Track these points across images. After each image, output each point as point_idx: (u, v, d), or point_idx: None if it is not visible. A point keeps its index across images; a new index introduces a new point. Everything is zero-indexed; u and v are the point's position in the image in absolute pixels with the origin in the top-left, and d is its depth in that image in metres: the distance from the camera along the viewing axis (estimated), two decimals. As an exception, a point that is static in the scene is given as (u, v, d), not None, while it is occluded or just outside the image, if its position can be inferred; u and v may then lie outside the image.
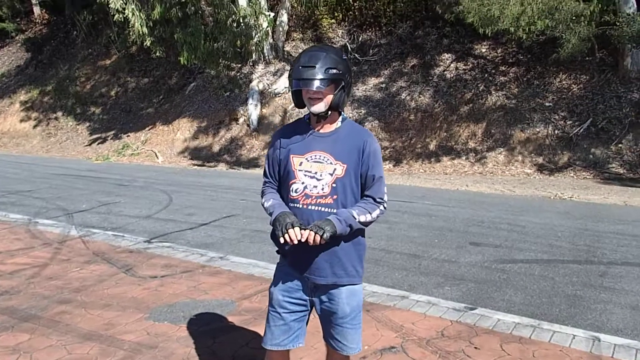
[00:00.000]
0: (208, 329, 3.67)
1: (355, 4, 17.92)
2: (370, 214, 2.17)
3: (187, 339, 3.51)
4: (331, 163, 2.18)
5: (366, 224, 2.17)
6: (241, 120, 16.28)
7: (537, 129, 13.30)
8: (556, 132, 13.11)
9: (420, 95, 15.06)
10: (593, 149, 12.54)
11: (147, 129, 17.97)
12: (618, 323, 3.81)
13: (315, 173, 2.19)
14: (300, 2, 16.17)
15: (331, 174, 2.17)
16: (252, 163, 14.70)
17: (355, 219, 2.12)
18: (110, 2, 14.38)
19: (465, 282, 4.74)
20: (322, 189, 2.17)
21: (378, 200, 2.21)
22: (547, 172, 12.37)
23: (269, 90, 16.45)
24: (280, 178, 2.32)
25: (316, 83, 2.07)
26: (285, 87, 16.33)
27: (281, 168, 2.29)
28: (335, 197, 2.16)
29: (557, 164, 12.60)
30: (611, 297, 4.34)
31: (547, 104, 13.58)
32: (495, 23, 10.97)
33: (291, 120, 15.40)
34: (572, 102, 13.36)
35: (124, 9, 14.40)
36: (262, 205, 2.33)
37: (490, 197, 9.43)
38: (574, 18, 11.11)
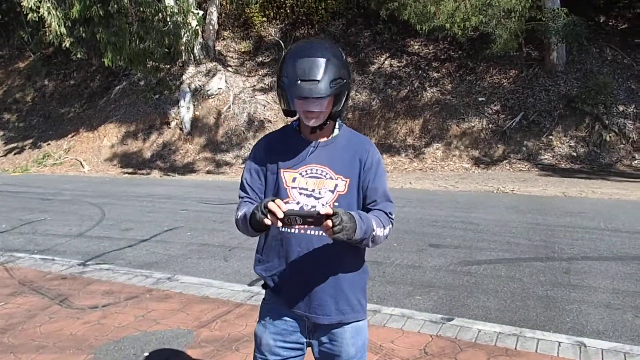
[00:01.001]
0: (166, 368, 3.22)
1: (286, 1, 17.57)
2: (384, 229, 1.81)
3: (142, 382, 3.05)
4: (331, 178, 1.83)
5: (376, 240, 1.80)
6: (173, 123, 15.49)
7: (472, 124, 13.59)
8: (490, 125, 13.45)
9: (357, 94, 14.97)
10: (526, 141, 12.97)
11: (69, 136, 16.71)
12: (597, 324, 3.73)
13: (313, 190, 1.83)
14: (230, 0, 15.58)
15: (332, 191, 1.82)
16: (187, 168, 14.01)
17: (373, 230, 1.75)
18: (22, 0, 13.17)
19: (435, 289, 4.55)
20: None
21: (390, 216, 1.89)
22: (484, 166, 12.64)
23: (202, 91, 15.76)
24: (266, 197, 1.93)
25: (319, 103, 1.73)
26: (218, 88, 15.71)
27: (268, 185, 1.90)
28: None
29: (493, 157, 12.91)
30: (582, 296, 4.29)
31: (480, 99, 13.90)
32: (431, 19, 11.03)
33: (226, 122, 14.72)
34: (503, 97, 13.76)
35: (38, 7, 13.21)
36: (236, 221, 1.90)
37: (437, 195, 9.43)
38: (504, 14, 11.37)
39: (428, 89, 14.58)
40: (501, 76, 14.20)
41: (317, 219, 1.59)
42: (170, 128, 15.47)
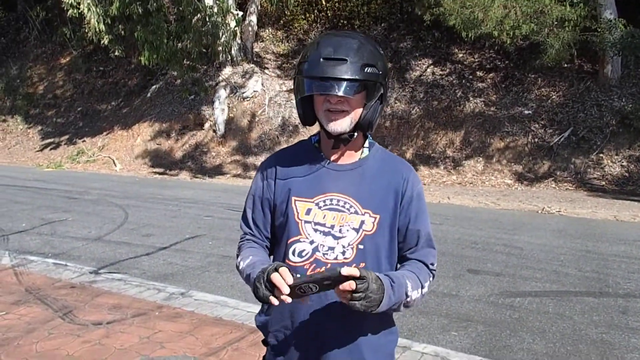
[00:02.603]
0: (163, 406, 2.83)
1: (327, 4, 17.23)
2: (422, 289, 1.42)
3: (135, 421, 2.66)
4: (356, 212, 1.41)
5: (409, 305, 1.41)
6: (207, 125, 15.32)
7: (516, 137, 12.88)
8: (536, 140, 12.71)
9: (396, 102, 14.45)
10: (574, 158, 12.17)
11: (104, 133, 16.78)
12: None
13: (332, 227, 1.41)
14: (271, 2, 15.33)
15: (357, 230, 1.40)
16: (217, 171, 13.78)
17: (407, 297, 1.36)
18: (63, -4, 13.27)
19: (473, 324, 4.03)
20: (343, 252, 1.41)
21: (430, 268, 1.45)
22: (528, 183, 11.93)
23: (237, 93, 15.54)
24: (273, 231, 1.53)
25: (345, 86, 1.28)
26: (254, 91, 15.47)
27: (276, 216, 1.50)
28: (362, 265, 1.39)
29: (537, 174, 12.17)
30: (646, 344, 3.70)
31: (526, 112, 13.17)
32: (478, 26, 10.44)
33: (260, 125, 14.51)
34: (552, 110, 12.98)
35: (78, 3, 13.27)
36: (237, 268, 1.51)
37: (477, 212, 8.83)
38: (557, 23, 10.68)
39: (471, 99, 13.93)
40: (550, 89, 13.42)
41: (336, 281, 1.16)
42: (203, 129, 15.31)
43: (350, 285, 1.19)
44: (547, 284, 5.02)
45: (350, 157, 1.46)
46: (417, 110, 14.28)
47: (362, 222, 1.41)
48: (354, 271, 1.19)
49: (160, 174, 13.61)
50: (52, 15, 21.13)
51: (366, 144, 1.48)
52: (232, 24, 14.45)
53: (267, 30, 18.09)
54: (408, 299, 1.36)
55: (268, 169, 1.52)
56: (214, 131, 15.03)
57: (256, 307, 4.13)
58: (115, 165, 14.58)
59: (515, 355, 3.52)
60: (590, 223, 8.04)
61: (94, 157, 15.40)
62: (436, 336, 3.83)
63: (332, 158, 1.46)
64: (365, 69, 1.30)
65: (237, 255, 1.53)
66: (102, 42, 14.40)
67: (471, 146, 13.15)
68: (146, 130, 15.94)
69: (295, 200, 1.44)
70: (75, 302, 4.28)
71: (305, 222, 1.42)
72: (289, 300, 1.23)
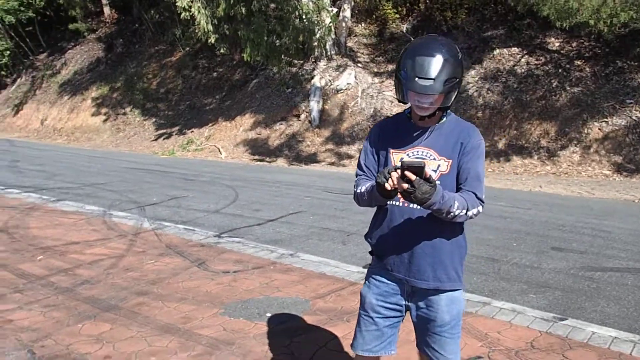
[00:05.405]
0: (284, 328, 3.58)
1: (420, -2, 17.51)
2: (468, 211, 1.95)
3: (263, 337, 3.44)
4: (435, 159, 2.02)
5: (456, 219, 1.95)
6: (302, 116, 16.28)
7: (616, 127, 12.49)
8: (637, 130, 12.26)
9: (489, 92, 14.50)
10: (679, 149, 11.63)
11: (210, 124, 18.32)
12: None
13: None
14: (364, -3, 15.97)
15: (435, 170, 2.00)
16: (312, 159, 14.66)
17: (452, 211, 1.91)
18: (177, 0, 14.73)
19: (552, 290, 4.43)
20: None
21: (478, 196, 2.02)
22: (627, 174, 11.58)
23: (331, 86, 16.35)
24: (378, 172, 2.18)
25: (431, 98, 1.92)
26: (347, 83, 16.19)
27: (379, 163, 2.15)
28: None
29: (638, 164, 11.77)
30: None
31: (628, 101, 12.72)
32: (573, 15, 10.34)
33: (352, 117, 15.19)
34: (656, 99, 12.43)
35: (190, 6, 14.69)
36: (356, 195, 2.15)
37: (568, 200, 8.90)
38: (660, 8, 10.30)
39: (568, 88, 13.65)
40: (654, 77, 12.84)
41: (418, 169, 1.77)
42: (299, 120, 16.28)
43: (425, 173, 1.77)
44: (631, 262, 5.24)
45: (432, 123, 2.07)
46: (510, 100, 14.23)
47: (439, 165, 2.01)
48: (428, 171, 1.77)
49: (259, 160, 14.75)
50: (164, 17, 23.21)
51: (445, 114, 2.08)
52: (327, 20, 15.24)
53: (360, 25, 18.71)
54: (452, 212, 1.90)
55: (375, 130, 2.19)
56: (309, 122, 15.94)
57: (354, 267, 4.85)
58: (220, 153, 15.97)
59: (587, 315, 3.90)
60: (690, 212, 7.88)
61: (201, 146, 16.93)
62: (515, 297, 4.28)
63: (419, 124, 2.08)
64: (446, 84, 1.89)
65: (355, 187, 2.18)
66: (209, 41, 15.80)
67: (567, 136, 12.94)
68: (247, 121, 17.23)
69: (392, 152, 2.09)
70: (205, 256, 5.21)
71: None
72: (395, 178, 1.80)
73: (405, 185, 1.78)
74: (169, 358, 3.12)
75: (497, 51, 15.44)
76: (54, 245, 5.53)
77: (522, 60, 15.00)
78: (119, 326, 3.55)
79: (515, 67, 14.89)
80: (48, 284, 4.36)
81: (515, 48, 15.35)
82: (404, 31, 17.64)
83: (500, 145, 13.46)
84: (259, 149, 15.96)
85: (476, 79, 15.13)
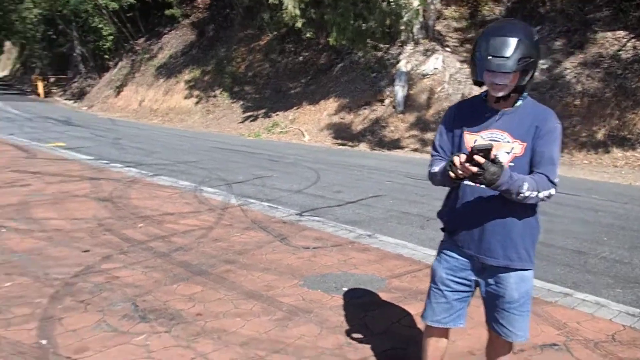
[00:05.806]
0: (360, 302, 3.73)
1: (515, -21, 16.70)
2: (539, 192, 1.98)
3: (339, 308, 3.60)
4: (508, 141, 2.05)
5: (527, 200, 1.98)
6: (387, 101, 16.21)
7: None
8: None
9: (589, 78, 13.64)
10: None
11: (294, 108, 18.73)
12: None
13: None
14: (455, -21, 15.49)
15: (508, 153, 2.04)
16: (395, 144, 14.60)
17: (521, 192, 1.94)
18: (266, -15, 15.16)
19: (641, 286, 4.22)
20: None
21: (551, 178, 2.02)
22: None
23: (417, 71, 16.12)
24: (452, 154, 2.24)
25: (505, 77, 1.95)
26: (434, 68, 15.89)
27: (453, 144, 2.20)
28: None
29: None
30: None
31: None
32: (689, -6, 9.41)
33: (438, 102, 14.91)
34: None
35: (279, -9, 15.05)
36: (430, 174, 2.22)
37: (671, 195, 8.28)
38: None
39: (679, 75, 12.53)
40: None
41: (486, 152, 1.83)
42: (383, 105, 16.23)
43: (479, 159, 1.82)
44: None
45: (507, 105, 2.08)
46: (613, 87, 13.30)
47: (512, 148, 2.03)
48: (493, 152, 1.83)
49: (341, 145, 14.93)
50: (253, 2, 23.88)
51: (521, 98, 2.09)
52: (415, 3, 14.98)
53: (450, 8, 18.21)
54: (522, 193, 1.93)
55: (451, 112, 2.24)
56: (394, 107, 15.85)
57: (431, 251, 4.89)
58: (304, 136, 16.33)
59: (681, 315, 3.69)
60: None
61: (286, 129, 17.39)
62: (599, 290, 4.13)
63: (494, 106, 2.10)
64: (520, 62, 1.91)
65: (430, 166, 2.25)
66: (296, 25, 16.11)
67: (675, 128, 11.92)
68: (331, 105, 17.44)
69: (466, 134, 2.13)
70: (287, 232, 5.46)
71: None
72: (459, 164, 1.87)
73: (474, 169, 1.85)
74: (252, 319, 3.38)
75: (600, 34, 14.44)
76: (152, 214, 6.04)
77: (629, 44, 13.92)
78: (209, 289, 3.86)
79: (620, 52, 13.86)
80: (148, 248, 4.80)
81: (621, 31, 14.25)
82: (497, 14, 16.95)
83: (599, 135, 12.67)
84: (341, 133, 16.13)
85: (575, 64, 14.26)
